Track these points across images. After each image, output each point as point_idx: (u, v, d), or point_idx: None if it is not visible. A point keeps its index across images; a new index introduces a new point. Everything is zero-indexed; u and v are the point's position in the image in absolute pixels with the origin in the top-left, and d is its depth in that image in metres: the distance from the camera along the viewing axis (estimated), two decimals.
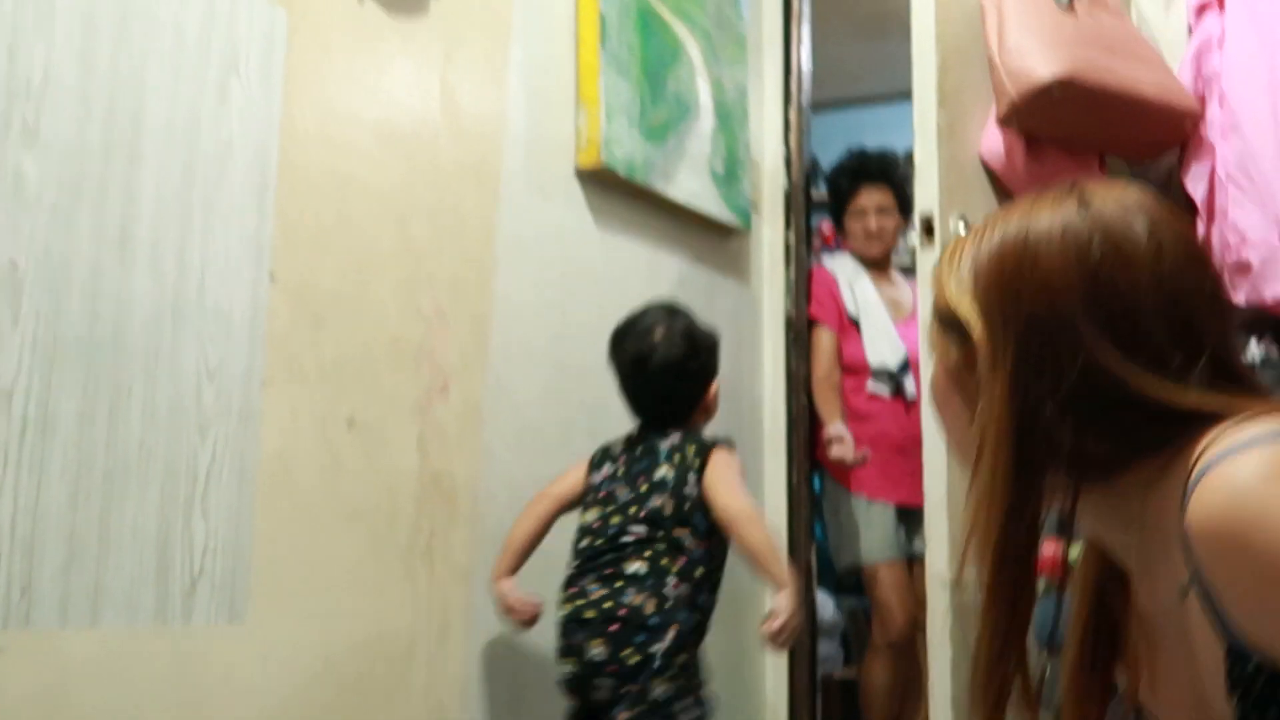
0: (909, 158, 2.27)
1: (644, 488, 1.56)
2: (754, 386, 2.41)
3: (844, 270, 2.62)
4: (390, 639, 1.49)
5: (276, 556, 1.34)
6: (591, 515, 1.59)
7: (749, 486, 2.29)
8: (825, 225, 3.20)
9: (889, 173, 2.60)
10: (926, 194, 1.70)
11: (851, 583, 2.67)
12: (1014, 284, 0.71)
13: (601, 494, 1.61)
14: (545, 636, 1.72)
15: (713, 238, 2.31)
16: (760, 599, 2.29)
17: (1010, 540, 0.72)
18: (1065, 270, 0.70)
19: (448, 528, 1.58)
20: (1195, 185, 1.69)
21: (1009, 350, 0.70)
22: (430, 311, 1.60)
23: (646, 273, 2.08)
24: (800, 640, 2.32)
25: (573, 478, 1.64)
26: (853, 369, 2.53)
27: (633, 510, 1.55)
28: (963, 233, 1.80)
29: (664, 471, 1.59)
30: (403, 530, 1.52)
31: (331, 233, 1.46)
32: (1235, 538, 0.61)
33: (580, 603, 1.51)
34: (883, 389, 2.49)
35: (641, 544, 1.53)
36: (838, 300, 2.56)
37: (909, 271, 2.53)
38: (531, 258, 1.79)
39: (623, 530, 1.55)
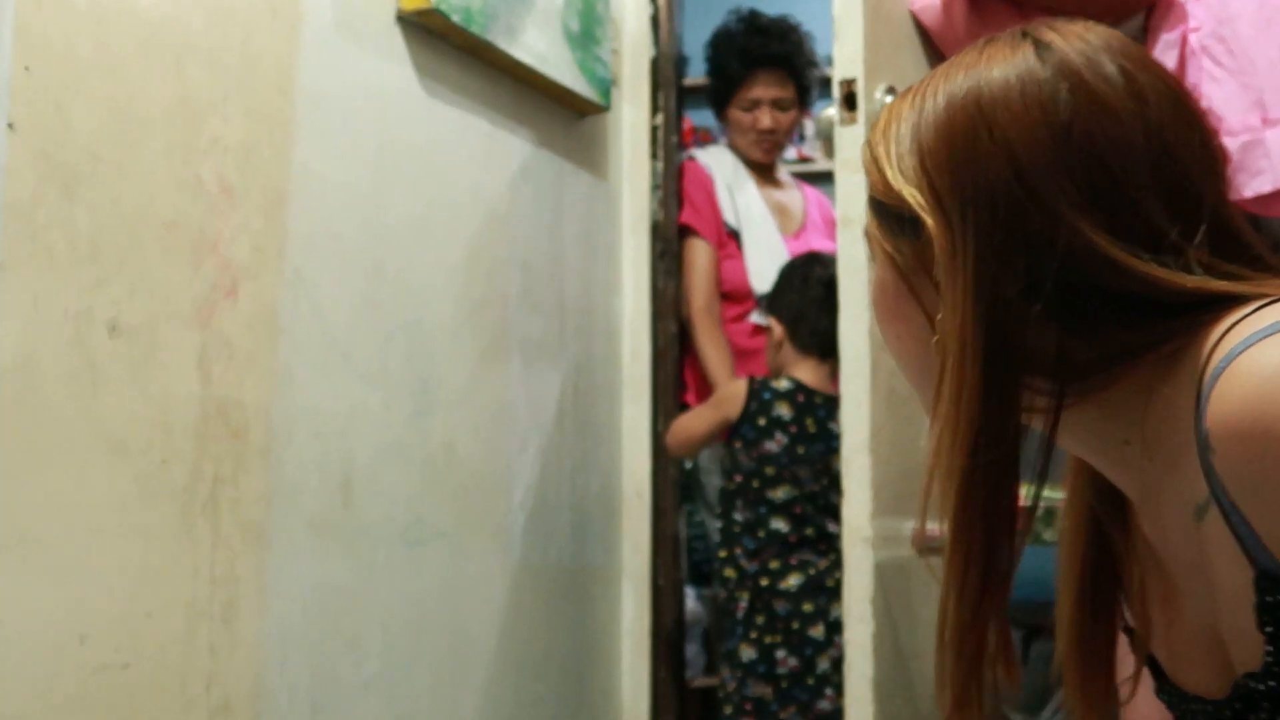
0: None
1: (825, 482, 2.10)
2: (609, 310, 2.52)
3: (721, 169, 2.76)
4: (161, 616, 1.51)
5: (12, 495, 1.34)
6: (781, 494, 2.32)
7: (600, 439, 2.42)
8: (691, 125, 3.34)
9: (792, 56, 2.74)
10: (847, 56, 1.83)
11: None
12: (969, 156, 0.72)
13: (786, 472, 2.31)
14: (361, 623, 1.78)
15: (564, 116, 2.40)
16: (613, 593, 2.41)
17: (984, 474, 0.73)
18: (1030, 131, 0.71)
19: (237, 472, 1.61)
20: (1163, 57, 1.82)
21: (969, 240, 0.72)
22: (214, 185, 1.61)
23: (483, 155, 2.15)
24: (662, 638, 2.46)
25: (734, 408, 2.39)
26: (733, 295, 2.68)
27: (821, 502, 2.15)
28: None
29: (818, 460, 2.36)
30: (179, 473, 1.54)
31: (88, 70, 1.46)
32: (1268, 439, 0.62)
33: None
34: (768, 321, 2.66)
35: (829, 542, 2.24)
36: (715, 206, 2.70)
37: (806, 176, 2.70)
38: (341, 123, 1.83)
39: (817, 526, 2.23)
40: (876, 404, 1.83)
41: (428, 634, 1.93)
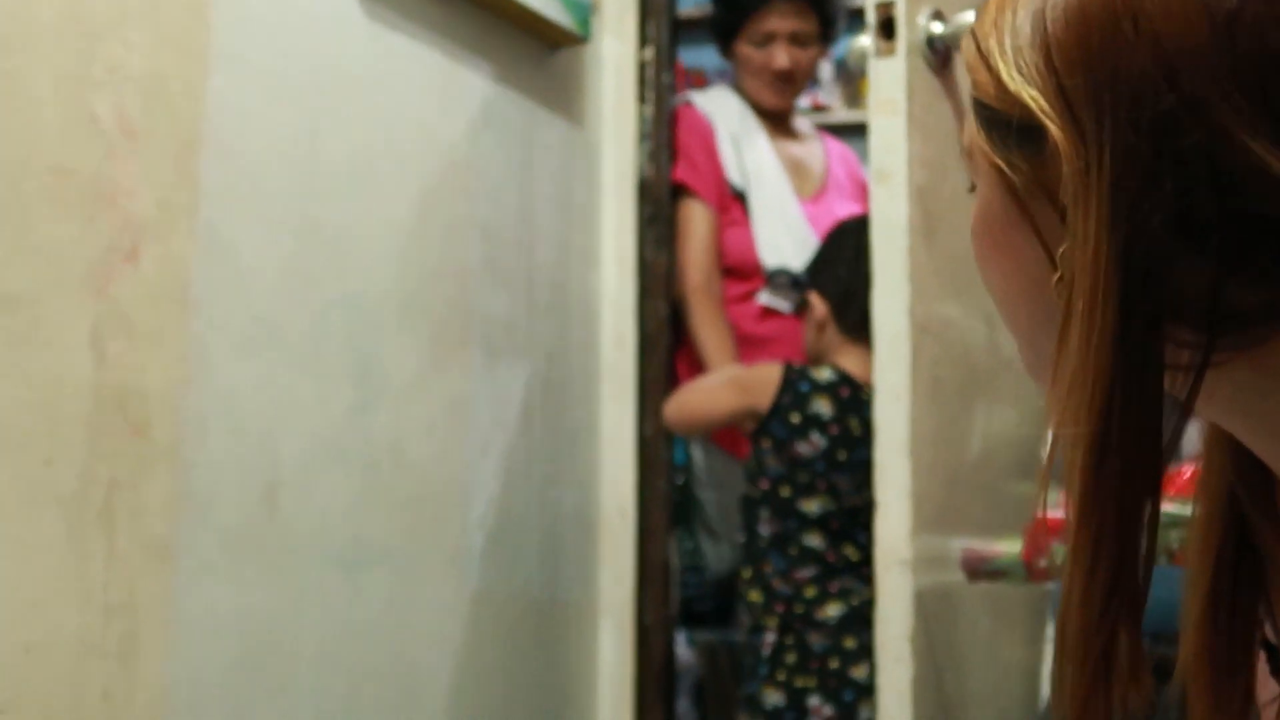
0: None
1: (870, 495, 1.99)
2: (587, 286, 2.52)
3: (726, 117, 2.76)
4: (43, 652, 1.50)
5: None
6: (815, 506, 2.34)
7: (576, 444, 2.42)
8: (683, 66, 3.35)
9: None
10: None
11: (715, 606, 2.83)
12: (1107, 52, 0.71)
13: (821, 480, 2.34)
14: (288, 662, 1.77)
15: (534, 48, 2.39)
16: (590, 632, 2.41)
17: (1119, 440, 0.71)
18: (1185, 22, 0.70)
19: (137, 476, 1.60)
20: None
21: (1106, 156, 0.71)
22: (112, 124, 1.60)
23: (436, 94, 2.14)
24: (648, 688, 2.46)
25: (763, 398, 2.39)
26: (737, 270, 2.68)
27: (865, 519, 2.08)
28: (940, 32, 1.97)
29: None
30: (66, 476, 1.53)
31: None
32: None
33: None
34: (782, 302, 2.66)
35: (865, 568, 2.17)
36: (717, 162, 2.70)
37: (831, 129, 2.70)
38: (266, 51, 1.82)
39: (860, 546, 2.19)
40: (918, 397, 1.84)
41: (368, 676, 1.92)
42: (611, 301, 2.53)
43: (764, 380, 2.38)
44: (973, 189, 0.83)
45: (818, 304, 2.43)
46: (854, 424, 2.29)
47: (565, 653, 2.40)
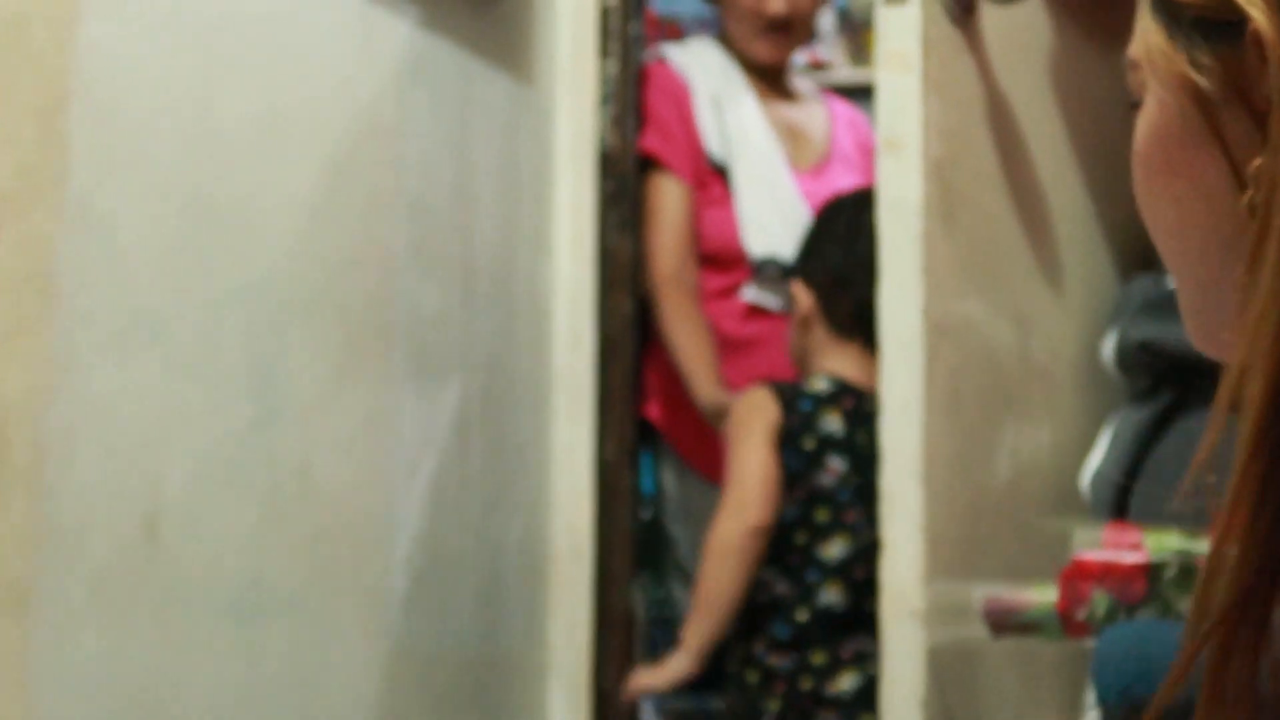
0: None
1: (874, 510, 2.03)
2: (537, 276, 2.53)
3: (706, 74, 2.77)
4: None
5: None
6: (836, 550, 2.39)
7: (521, 468, 2.42)
8: (653, 14, 3.35)
9: None
10: None
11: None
12: None
13: (845, 514, 2.38)
14: None
15: None
16: (537, 697, 2.42)
17: None
18: None
19: None
20: None
21: None
22: None
23: (356, 43, 2.15)
24: None
25: (767, 455, 2.39)
26: (718, 259, 2.69)
27: (874, 557, 2.05)
28: None
29: None
30: None
31: None
32: None
33: None
34: (771, 298, 2.67)
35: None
36: (693, 129, 2.71)
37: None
38: None
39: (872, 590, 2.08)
40: (933, 413, 1.86)
41: None
42: (566, 295, 2.53)
43: (759, 409, 2.38)
44: (1134, 107, 0.85)
45: (802, 296, 2.44)
46: (864, 441, 2.30)
47: (508, 715, 2.40)
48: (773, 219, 2.69)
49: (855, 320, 2.33)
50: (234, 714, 1.88)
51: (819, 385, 2.38)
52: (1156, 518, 1.73)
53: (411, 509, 2.20)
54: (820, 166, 2.78)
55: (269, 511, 1.94)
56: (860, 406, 2.33)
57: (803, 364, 2.45)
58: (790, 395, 2.38)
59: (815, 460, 2.35)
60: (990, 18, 2.07)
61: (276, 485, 1.96)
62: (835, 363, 2.40)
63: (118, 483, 1.74)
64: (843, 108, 2.98)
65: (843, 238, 2.41)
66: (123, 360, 1.76)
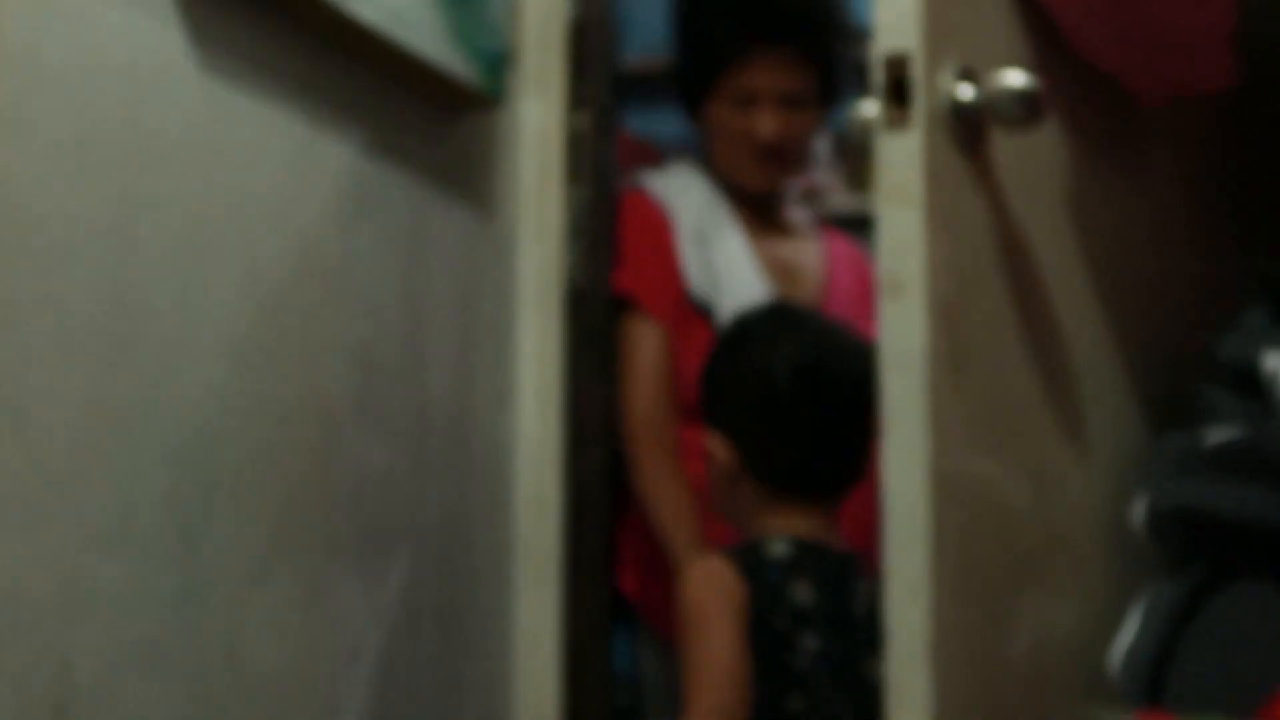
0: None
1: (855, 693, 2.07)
2: (496, 432, 2.52)
3: (688, 203, 2.79)
4: None
5: None
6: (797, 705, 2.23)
7: (480, 652, 2.41)
8: (629, 136, 3.38)
9: (814, 23, 2.80)
10: (895, 18, 1.87)
11: None
12: None
13: (823, 702, 2.25)
14: None
15: (428, 112, 2.42)
16: None
17: None
18: None
19: None
20: None
21: None
22: None
23: (295, 171, 2.17)
24: None
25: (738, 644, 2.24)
26: (700, 409, 2.70)
27: None
28: (970, 97, 1.99)
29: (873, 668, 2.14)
30: None
31: None
32: None
33: None
34: None
35: None
36: (673, 265, 2.72)
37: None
38: (61, 113, 1.83)
39: None
40: (943, 587, 1.85)
41: None
42: (530, 452, 2.54)
43: (720, 586, 2.26)
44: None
45: (717, 449, 2.36)
46: (838, 612, 2.26)
47: None
48: None
49: (789, 473, 2.29)
50: None
51: (779, 549, 2.29)
52: (1195, 705, 1.73)
53: (355, 697, 2.19)
54: (816, 308, 2.79)
55: (194, 700, 1.93)
56: (829, 570, 2.28)
57: (740, 524, 2.37)
58: (753, 563, 2.28)
59: (787, 641, 2.27)
60: (1002, 145, 2.09)
61: (202, 670, 1.95)
62: (783, 520, 2.33)
63: (22, 666, 1.73)
64: (841, 243, 3.01)
65: (748, 372, 2.36)
66: (28, 529, 1.75)
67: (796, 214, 3.00)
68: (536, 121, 2.60)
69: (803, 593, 2.30)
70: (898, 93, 1.89)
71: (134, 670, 1.86)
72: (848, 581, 2.26)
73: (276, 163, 2.14)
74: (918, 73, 1.88)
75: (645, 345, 2.68)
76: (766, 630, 2.26)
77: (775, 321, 2.37)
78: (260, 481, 2.07)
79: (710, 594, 2.24)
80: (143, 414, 1.90)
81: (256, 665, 2.03)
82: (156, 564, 1.91)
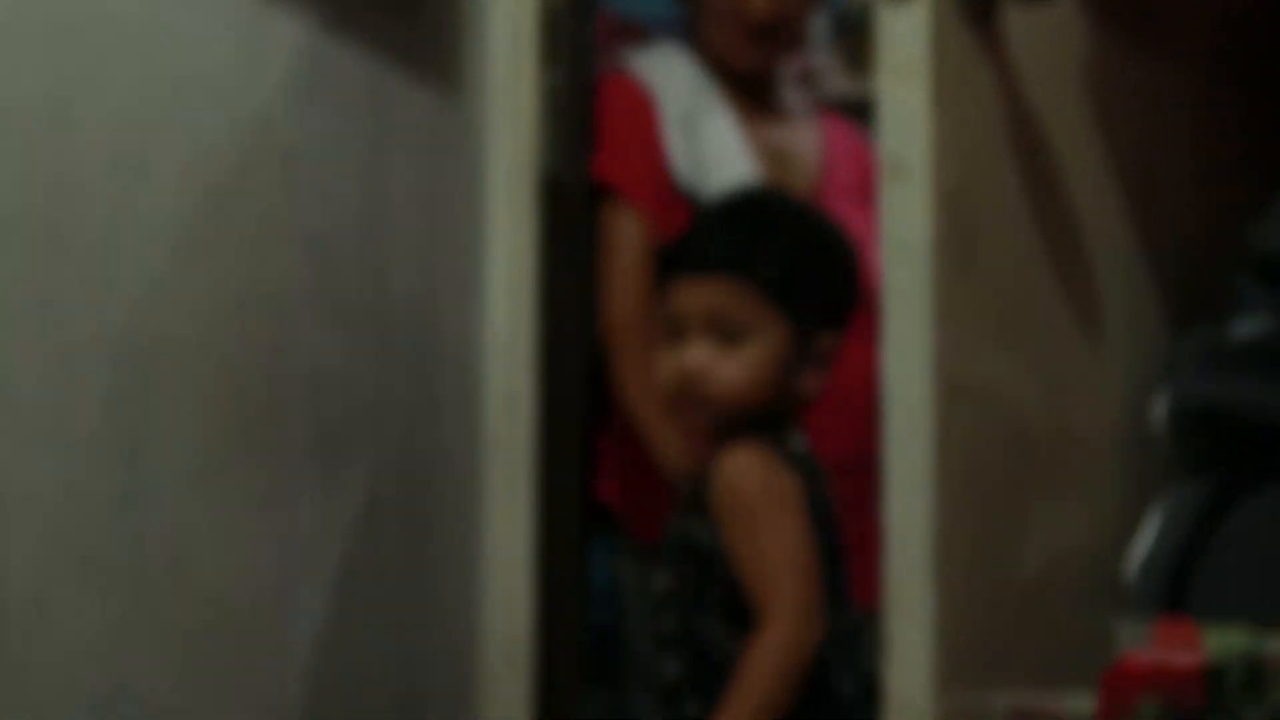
0: None
1: None
2: (465, 329, 2.53)
3: (674, 85, 2.78)
4: None
5: None
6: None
7: (445, 561, 2.42)
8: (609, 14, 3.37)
9: None
10: None
11: None
12: None
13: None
14: None
15: None
16: None
17: None
18: None
19: None
20: None
21: None
22: None
23: (239, 50, 2.16)
24: None
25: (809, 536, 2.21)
26: None
27: None
28: None
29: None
30: None
31: None
32: None
33: None
34: None
35: None
36: (658, 150, 2.73)
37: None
38: None
39: None
40: (947, 490, 1.87)
41: None
42: (502, 349, 2.54)
43: (778, 474, 2.19)
44: None
45: (773, 321, 2.22)
46: (829, 517, 2.25)
47: None
48: None
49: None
50: None
51: (798, 445, 2.26)
52: (1217, 614, 1.75)
53: (311, 609, 2.20)
54: (811, 198, 2.79)
55: (136, 608, 1.94)
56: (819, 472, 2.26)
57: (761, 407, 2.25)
58: (792, 457, 2.23)
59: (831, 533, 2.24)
60: (1014, 19, 2.09)
61: (144, 579, 1.96)
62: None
63: None
64: (840, 129, 3.00)
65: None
66: None
67: (791, 98, 2.99)
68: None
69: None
70: None
71: (71, 578, 1.86)
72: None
73: (223, 40, 2.13)
74: None
75: (626, 238, 2.67)
76: (820, 528, 2.23)
77: (749, 207, 2.36)
78: (207, 380, 2.06)
79: (773, 480, 2.20)
80: (80, 307, 1.90)
81: (202, 575, 2.03)
82: (95, 466, 1.91)
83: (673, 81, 2.80)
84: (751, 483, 2.18)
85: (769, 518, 2.16)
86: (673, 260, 2.27)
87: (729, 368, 2.15)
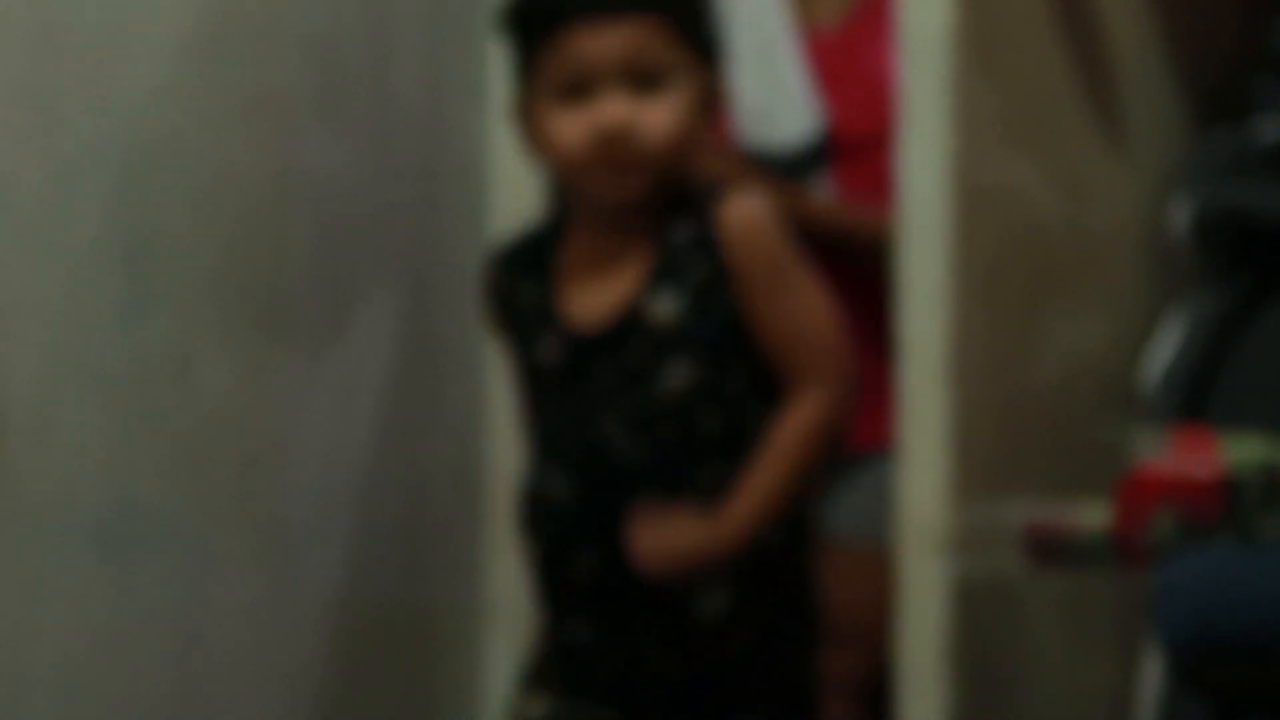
0: None
1: None
2: (470, 141, 2.52)
3: None
4: None
5: None
6: None
7: (449, 375, 2.42)
8: None
9: None
10: None
11: None
12: None
13: None
14: (18, 686, 1.81)
15: None
16: (474, 649, 2.44)
17: None
18: None
19: None
20: None
21: None
22: None
23: None
24: None
25: None
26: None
27: None
28: None
29: None
30: None
31: None
32: None
33: None
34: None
35: None
36: None
37: None
38: None
39: None
40: (964, 297, 1.88)
41: (138, 703, 1.94)
42: (508, 159, 2.53)
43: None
44: None
45: None
46: None
47: (438, 679, 2.43)
48: (773, 100, 2.65)
49: None
50: (96, 665, 1.90)
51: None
52: (1238, 422, 1.75)
53: (314, 422, 2.22)
54: (843, 26, 2.75)
55: (143, 420, 1.96)
56: None
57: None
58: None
59: None
60: None
61: (152, 387, 1.97)
62: None
63: None
64: None
65: None
66: None
67: None
68: None
69: None
70: None
71: (73, 385, 1.87)
72: None
73: None
74: None
75: None
76: None
77: None
78: (209, 180, 2.06)
79: (785, 232, 2.07)
80: (78, 108, 1.89)
81: (210, 388, 2.04)
82: (98, 273, 1.91)
83: None
84: (772, 237, 2.03)
85: (797, 273, 2.02)
86: (555, 7, 2.03)
87: (655, 116, 1.97)
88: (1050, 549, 1.80)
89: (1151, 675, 1.92)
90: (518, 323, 2.06)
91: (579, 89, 1.97)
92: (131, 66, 1.97)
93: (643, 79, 1.97)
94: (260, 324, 2.14)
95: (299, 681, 2.17)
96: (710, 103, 2.03)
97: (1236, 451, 1.68)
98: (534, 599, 2.09)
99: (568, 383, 2.02)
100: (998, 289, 1.97)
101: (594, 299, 2.02)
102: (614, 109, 1.95)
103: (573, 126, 1.96)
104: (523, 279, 2.06)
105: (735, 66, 2.62)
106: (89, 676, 1.89)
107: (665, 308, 1.97)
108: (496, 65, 2.54)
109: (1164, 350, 1.99)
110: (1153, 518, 1.68)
